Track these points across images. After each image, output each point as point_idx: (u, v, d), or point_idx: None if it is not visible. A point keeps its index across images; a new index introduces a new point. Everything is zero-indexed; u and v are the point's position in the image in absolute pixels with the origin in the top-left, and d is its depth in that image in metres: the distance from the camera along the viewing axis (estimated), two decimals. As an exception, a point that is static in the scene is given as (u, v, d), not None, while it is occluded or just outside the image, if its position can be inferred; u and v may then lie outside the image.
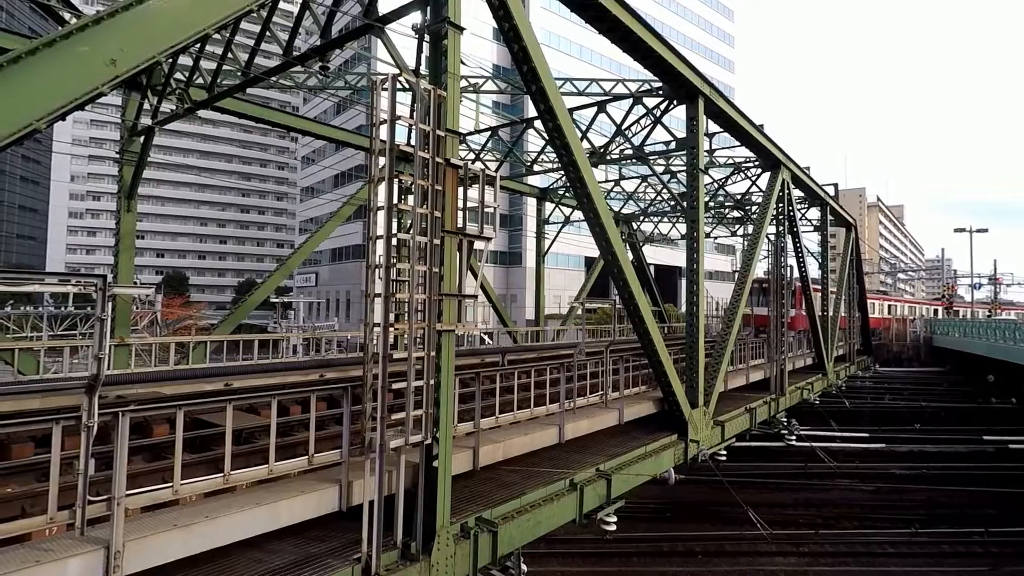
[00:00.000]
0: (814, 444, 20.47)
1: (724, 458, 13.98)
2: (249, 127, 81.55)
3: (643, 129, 15.73)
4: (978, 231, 49.50)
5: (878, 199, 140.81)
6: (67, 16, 11.30)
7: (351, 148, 22.19)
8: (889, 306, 47.79)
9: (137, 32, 4.39)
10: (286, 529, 5.65)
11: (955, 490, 20.46)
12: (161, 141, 79.52)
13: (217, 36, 6.86)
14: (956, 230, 50.96)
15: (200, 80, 11.72)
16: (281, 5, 9.41)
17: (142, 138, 13.46)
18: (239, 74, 11.41)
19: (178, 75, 12.05)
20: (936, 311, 52.45)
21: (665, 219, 29.84)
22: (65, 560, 4.20)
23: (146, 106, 12.80)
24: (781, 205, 17.84)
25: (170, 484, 5.04)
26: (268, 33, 9.53)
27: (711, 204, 26.14)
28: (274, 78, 11.63)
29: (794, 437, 19.00)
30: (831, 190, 26.25)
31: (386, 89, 5.72)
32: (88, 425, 4.38)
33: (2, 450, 6.86)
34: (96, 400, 4.40)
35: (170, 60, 10.94)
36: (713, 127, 15.02)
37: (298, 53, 9.83)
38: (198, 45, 10.40)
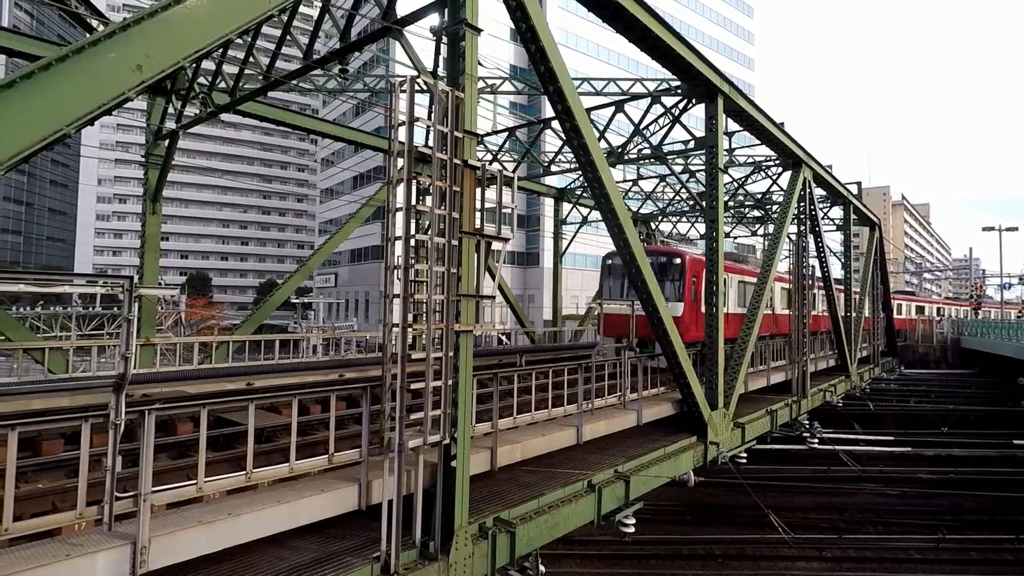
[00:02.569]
0: (837, 447, 20.13)
1: (744, 461, 13.81)
2: (270, 130, 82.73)
3: (661, 128, 15.61)
4: (1008, 229, 48.21)
5: (903, 197, 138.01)
6: (95, 23, 11.57)
7: (370, 150, 22.39)
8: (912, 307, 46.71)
9: (162, 38, 4.49)
10: (306, 527, 5.72)
11: (984, 495, 19.92)
12: (185, 144, 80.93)
13: (239, 41, 6.97)
14: (985, 228, 49.71)
15: (223, 84, 11.93)
16: (301, 9, 9.53)
17: (167, 142, 13.74)
18: (260, 78, 11.58)
19: (201, 80, 12.27)
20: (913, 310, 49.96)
21: (684, 219, 29.59)
22: (94, 554, 4.31)
23: (170, 110, 13.07)
24: (802, 204, 17.57)
25: (194, 481, 5.13)
26: (288, 37, 9.67)
27: (731, 203, 25.84)
28: (294, 81, 11.79)
29: (816, 440, 18.69)
30: (854, 188, 25.79)
31: (404, 91, 5.76)
32: (115, 423, 4.48)
33: (33, 447, 7.06)
34: (123, 398, 4.50)
35: (194, 65, 11.15)
36: (733, 125, 14.85)
37: (318, 57, 9.94)
38: (221, 50, 10.59)
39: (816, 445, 18.82)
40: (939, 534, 17.05)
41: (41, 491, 5.80)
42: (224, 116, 12.94)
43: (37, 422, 5.77)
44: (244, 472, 5.46)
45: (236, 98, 11.72)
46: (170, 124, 13.27)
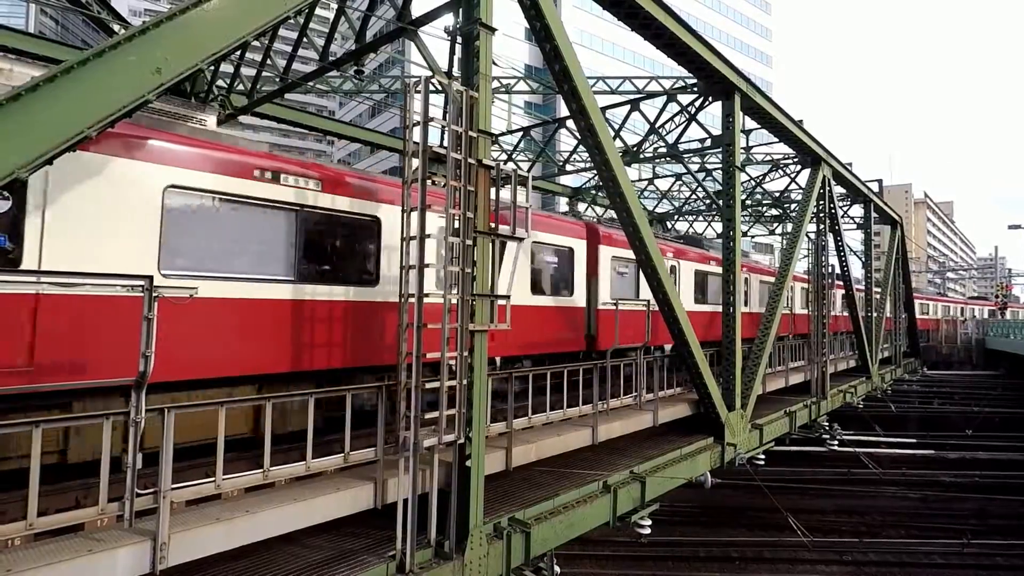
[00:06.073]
0: (858, 449, 19.82)
1: (762, 462, 13.66)
2: (287, 131, 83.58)
3: (677, 127, 15.48)
4: (1034, 227, 47.03)
5: (925, 195, 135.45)
6: (116, 28, 11.77)
7: (385, 150, 22.51)
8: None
9: (180, 41, 4.54)
10: (322, 525, 5.76)
11: (1010, 499, 19.50)
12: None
13: (256, 43, 7.04)
14: (1011, 227, 48.52)
15: (240, 87, 12.06)
16: (317, 11, 9.60)
17: (186, 144, 13.89)
18: (277, 80, 11.69)
19: (219, 82, 12.41)
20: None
21: (700, 218, 29.32)
22: (115, 550, 4.38)
23: (190, 113, 13.23)
24: (821, 202, 17.32)
25: (212, 479, 5.19)
26: (305, 39, 9.74)
27: (748, 202, 25.55)
28: (311, 83, 11.88)
29: (836, 442, 18.42)
30: (875, 186, 25.37)
31: (419, 91, 5.78)
32: (136, 421, 4.55)
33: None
34: (143, 397, 4.57)
35: (212, 68, 11.29)
36: (750, 123, 14.67)
37: (334, 58, 10.01)
38: (238, 53, 10.72)
39: (836, 447, 18.55)
40: (964, 539, 16.71)
41: (65, 487, 5.90)
42: (242, 118, 13.08)
43: (59, 419, 5.87)
44: (261, 470, 5.51)
45: (254, 100, 11.84)
46: (189, 126, 13.44)
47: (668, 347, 12.25)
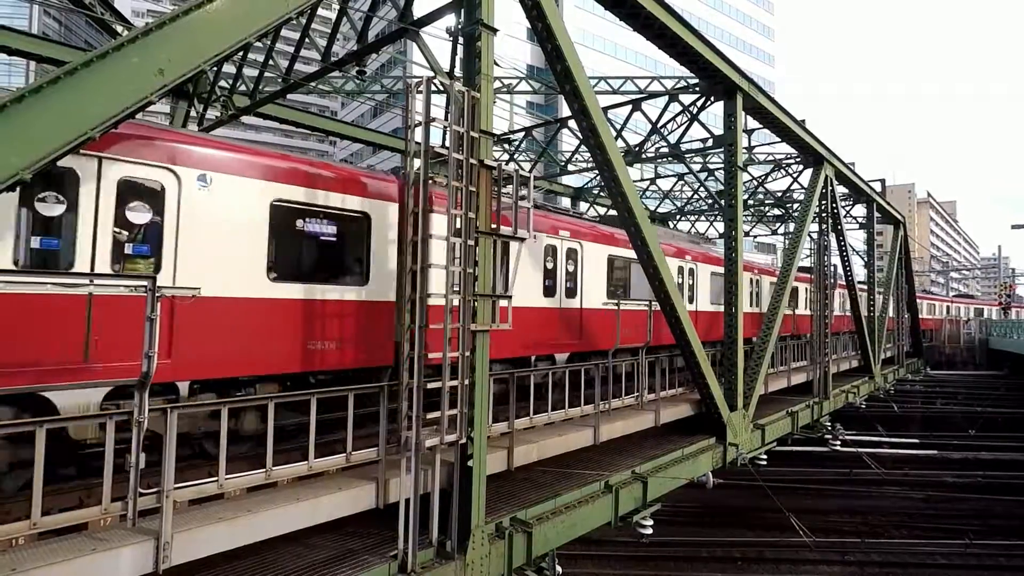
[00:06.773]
0: (860, 449, 19.77)
1: (764, 462, 13.64)
2: (290, 132, 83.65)
3: (679, 127, 15.48)
4: (1038, 227, 46.86)
5: (928, 195, 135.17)
6: (119, 29, 11.81)
7: (387, 151, 22.52)
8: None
9: (183, 42, 4.56)
10: (325, 525, 5.77)
11: (1012, 500, 19.44)
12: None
13: (259, 44, 7.06)
14: (1014, 226, 48.35)
15: (243, 87, 12.09)
16: (319, 12, 9.62)
17: (189, 144, 13.91)
18: (280, 81, 11.72)
19: (222, 83, 12.45)
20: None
21: (702, 218, 29.29)
22: (119, 549, 4.40)
23: (192, 113, 13.28)
24: (824, 202, 17.30)
25: (215, 478, 5.20)
26: (307, 40, 9.77)
27: (750, 202, 25.51)
28: (313, 83, 11.90)
29: (839, 442, 18.39)
30: (877, 186, 25.32)
31: (421, 92, 5.80)
32: (139, 420, 4.57)
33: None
34: (147, 397, 4.58)
35: (214, 69, 11.32)
36: (752, 123, 14.66)
37: (336, 59, 10.03)
38: (241, 53, 10.75)
39: (838, 447, 18.52)
40: (966, 539, 16.67)
41: (68, 487, 5.93)
42: (245, 118, 13.10)
43: (63, 420, 5.89)
44: (264, 470, 5.53)
45: (256, 100, 11.88)
46: (192, 127, 13.49)
47: (563, 356, 10.99)
